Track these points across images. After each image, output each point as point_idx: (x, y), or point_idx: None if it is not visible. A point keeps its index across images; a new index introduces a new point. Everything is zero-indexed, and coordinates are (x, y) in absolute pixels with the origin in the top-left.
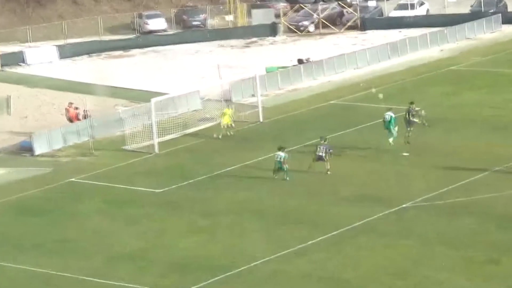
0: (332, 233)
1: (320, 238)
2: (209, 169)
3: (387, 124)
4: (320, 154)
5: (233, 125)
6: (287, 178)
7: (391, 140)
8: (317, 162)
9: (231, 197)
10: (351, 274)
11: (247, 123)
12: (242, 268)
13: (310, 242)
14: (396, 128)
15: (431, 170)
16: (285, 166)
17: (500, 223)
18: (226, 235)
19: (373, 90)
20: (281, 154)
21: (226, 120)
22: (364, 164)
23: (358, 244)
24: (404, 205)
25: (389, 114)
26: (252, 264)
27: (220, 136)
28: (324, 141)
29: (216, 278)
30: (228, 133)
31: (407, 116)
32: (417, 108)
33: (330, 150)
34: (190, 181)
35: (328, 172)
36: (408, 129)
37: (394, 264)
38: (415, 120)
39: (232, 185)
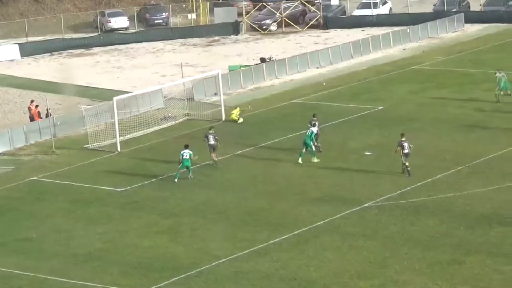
0: (295, 233)
1: (283, 237)
2: (171, 168)
3: (306, 139)
4: (212, 142)
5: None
6: (191, 176)
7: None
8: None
9: (194, 197)
10: (314, 275)
11: (209, 122)
12: (203, 267)
13: (272, 241)
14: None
15: (395, 169)
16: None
17: (464, 222)
18: (188, 235)
19: (324, 83)
20: (188, 151)
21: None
22: (328, 164)
23: (322, 244)
24: (366, 204)
25: (311, 130)
26: (213, 264)
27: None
28: (210, 129)
29: (177, 278)
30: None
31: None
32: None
33: (217, 137)
34: (152, 180)
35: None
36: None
37: (357, 265)
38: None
39: (194, 185)
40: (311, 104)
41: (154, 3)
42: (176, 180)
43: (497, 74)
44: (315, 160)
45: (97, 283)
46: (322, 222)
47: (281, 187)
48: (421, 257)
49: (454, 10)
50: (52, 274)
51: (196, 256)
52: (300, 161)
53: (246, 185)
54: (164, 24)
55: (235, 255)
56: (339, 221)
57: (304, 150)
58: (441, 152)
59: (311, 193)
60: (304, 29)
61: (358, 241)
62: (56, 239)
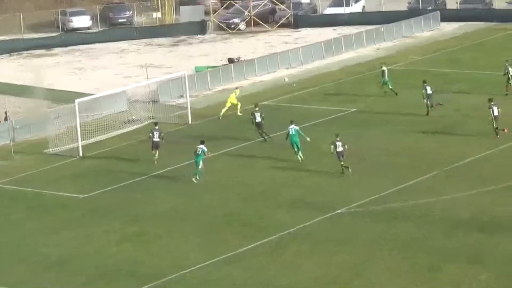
0: (268, 239)
1: (255, 244)
2: (137, 173)
3: (293, 139)
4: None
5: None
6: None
7: (299, 157)
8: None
9: (160, 202)
10: (285, 282)
11: (175, 125)
12: (171, 276)
13: (243, 248)
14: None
15: (368, 174)
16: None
17: (440, 228)
18: (154, 242)
19: (286, 79)
20: (202, 147)
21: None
22: (300, 168)
23: (294, 250)
24: (339, 211)
25: (292, 127)
26: (181, 273)
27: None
28: (155, 125)
29: (143, 287)
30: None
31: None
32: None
33: (162, 134)
34: (117, 185)
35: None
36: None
37: (332, 271)
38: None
39: (161, 190)
40: (281, 107)
41: (118, 1)
42: (194, 179)
43: (383, 68)
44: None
45: None
46: (293, 229)
47: (253, 191)
48: (397, 263)
49: (430, 8)
50: (13, 283)
51: (163, 264)
52: (299, 158)
53: (216, 189)
54: (128, 23)
55: (205, 263)
56: (311, 228)
57: (296, 149)
58: (418, 156)
59: (284, 198)
60: (274, 28)
61: (332, 247)
62: (15, 248)
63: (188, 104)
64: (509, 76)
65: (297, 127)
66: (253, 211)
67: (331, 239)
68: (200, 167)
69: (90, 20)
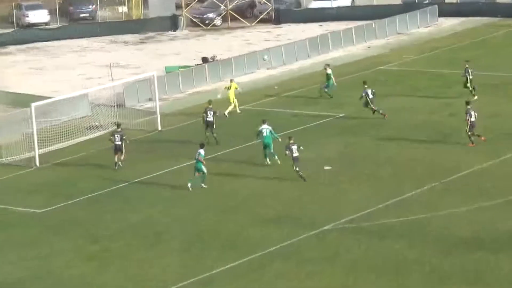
0: (246, 259)
1: (232, 264)
2: (100, 185)
3: (266, 140)
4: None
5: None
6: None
7: (268, 160)
8: None
9: (125, 218)
10: None
11: (143, 132)
12: None
13: (219, 269)
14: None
15: (359, 186)
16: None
17: (436, 247)
18: (118, 262)
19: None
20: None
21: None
22: (283, 180)
23: (276, 271)
24: (326, 227)
25: (265, 128)
26: None
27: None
28: (118, 127)
29: None
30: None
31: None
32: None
33: (124, 137)
34: (78, 199)
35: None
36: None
37: None
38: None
39: (126, 204)
40: (261, 111)
41: None
42: (189, 185)
43: (328, 70)
44: (277, 160)
45: None
46: (276, 247)
47: (230, 205)
48: (388, 286)
49: (427, 1)
50: None
51: (130, 286)
52: (268, 161)
53: (189, 203)
54: (91, 18)
55: (176, 286)
56: (295, 246)
57: (267, 151)
58: (412, 166)
59: (264, 213)
60: (253, 24)
61: (317, 267)
62: None
63: (158, 108)
64: (469, 79)
65: (270, 127)
66: (230, 226)
67: (317, 258)
68: (202, 173)
69: (48, 14)
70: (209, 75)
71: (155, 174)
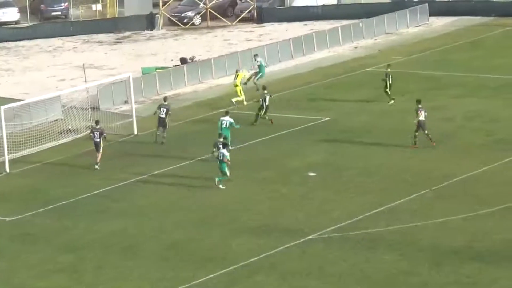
0: (225, 271)
1: (210, 276)
2: (73, 193)
3: (224, 132)
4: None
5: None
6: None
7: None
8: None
9: (101, 227)
10: None
11: (118, 136)
12: None
13: (199, 280)
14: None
15: (345, 193)
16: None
17: (429, 258)
18: (92, 274)
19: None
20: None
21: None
22: (265, 187)
23: (256, 284)
24: (311, 237)
25: (226, 120)
26: None
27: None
28: (97, 124)
29: None
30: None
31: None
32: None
33: (104, 135)
34: (49, 207)
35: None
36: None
37: None
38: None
39: (100, 213)
40: (243, 115)
41: None
42: (217, 181)
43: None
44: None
45: None
46: (257, 258)
47: (208, 214)
48: None
49: (417, 0)
50: None
51: None
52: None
53: (165, 213)
54: (63, 16)
55: None
56: (278, 257)
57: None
58: (402, 172)
59: (244, 222)
60: (234, 23)
61: (301, 281)
62: None
63: (134, 111)
64: (388, 84)
65: (231, 120)
66: (208, 237)
67: (301, 271)
68: (223, 174)
69: (18, 12)
70: (188, 77)
71: (130, 181)
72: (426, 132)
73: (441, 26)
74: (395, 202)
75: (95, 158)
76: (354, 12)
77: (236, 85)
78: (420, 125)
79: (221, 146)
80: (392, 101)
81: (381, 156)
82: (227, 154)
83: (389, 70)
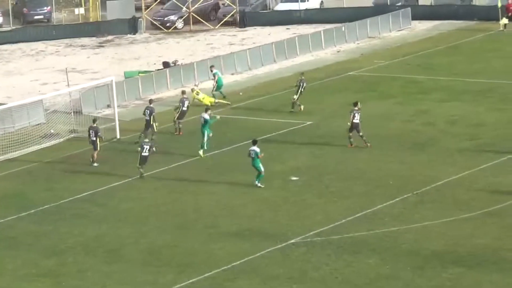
0: (207, 275)
1: (192, 281)
2: (55, 197)
3: (203, 128)
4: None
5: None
6: (258, 184)
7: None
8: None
9: (83, 231)
10: None
11: (101, 140)
12: None
13: (178, 285)
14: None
15: (327, 197)
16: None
17: (411, 262)
18: (74, 278)
19: (240, 93)
20: (256, 149)
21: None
22: (247, 191)
23: None
24: (293, 241)
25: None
26: None
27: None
28: (94, 122)
29: None
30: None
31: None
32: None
33: (99, 134)
34: (31, 211)
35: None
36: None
37: None
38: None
39: (82, 217)
40: (225, 119)
41: None
42: (256, 183)
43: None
44: (201, 153)
45: None
46: (238, 262)
47: (190, 219)
48: None
49: (399, 4)
50: None
51: None
52: (201, 154)
53: (146, 217)
54: (46, 20)
55: None
56: (260, 261)
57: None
58: (384, 176)
59: (226, 226)
60: (217, 27)
61: (283, 285)
62: None
63: (116, 115)
64: (300, 91)
65: (209, 118)
66: (189, 242)
67: (283, 275)
68: (258, 171)
69: (0, 16)
70: (170, 81)
71: (111, 185)
72: (360, 134)
73: (424, 30)
74: (377, 206)
75: (92, 157)
76: (336, 16)
77: (203, 99)
78: (354, 127)
79: (251, 142)
80: (300, 108)
81: (363, 160)
82: (258, 150)
83: (302, 77)
